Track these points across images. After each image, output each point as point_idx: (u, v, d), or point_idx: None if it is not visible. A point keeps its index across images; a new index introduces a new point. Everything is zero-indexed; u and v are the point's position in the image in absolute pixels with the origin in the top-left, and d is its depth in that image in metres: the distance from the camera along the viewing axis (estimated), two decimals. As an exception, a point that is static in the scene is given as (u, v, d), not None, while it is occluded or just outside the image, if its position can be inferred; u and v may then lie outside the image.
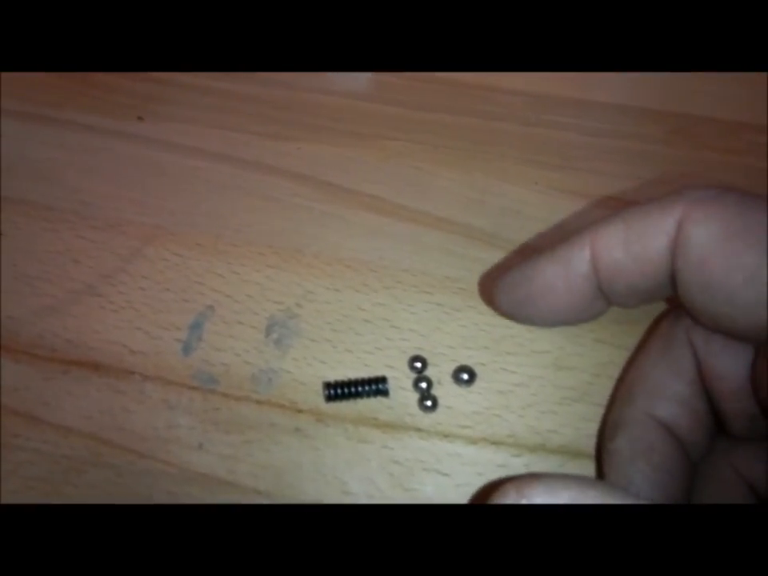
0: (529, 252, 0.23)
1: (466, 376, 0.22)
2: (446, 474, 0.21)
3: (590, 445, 0.22)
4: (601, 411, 0.22)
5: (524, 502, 0.13)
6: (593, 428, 0.22)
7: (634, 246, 0.16)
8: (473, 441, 0.22)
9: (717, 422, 0.19)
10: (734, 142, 0.27)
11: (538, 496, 0.14)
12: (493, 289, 0.21)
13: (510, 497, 0.14)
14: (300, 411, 0.22)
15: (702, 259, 0.15)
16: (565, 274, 0.18)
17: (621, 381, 0.21)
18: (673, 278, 0.16)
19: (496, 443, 0.22)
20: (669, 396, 0.19)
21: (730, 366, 0.18)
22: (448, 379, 0.23)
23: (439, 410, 0.22)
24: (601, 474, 0.20)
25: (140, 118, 0.28)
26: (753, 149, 0.27)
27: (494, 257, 0.25)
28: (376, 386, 0.22)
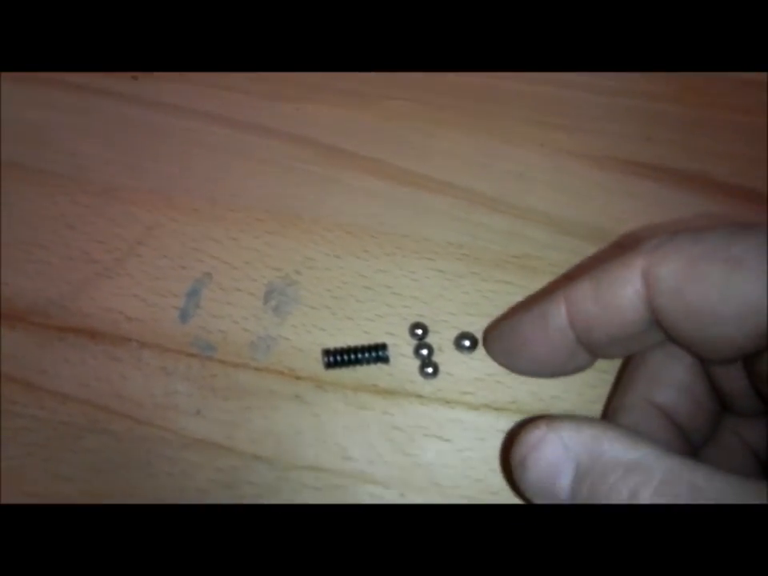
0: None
1: (467, 343, 0.22)
2: (447, 440, 0.21)
3: (593, 410, 0.21)
4: (604, 377, 0.21)
5: (552, 434, 0.16)
6: (596, 394, 0.21)
7: (604, 297, 0.17)
8: (474, 407, 0.22)
9: (720, 401, 0.19)
10: (745, 100, 0.26)
11: (566, 430, 0.15)
12: (484, 339, 0.22)
13: (541, 428, 0.16)
14: (299, 378, 0.22)
15: (677, 289, 0.16)
16: (542, 327, 0.19)
17: (622, 367, 0.21)
18: (656, 324, 0.17)
19: (498, 409, 0.21)
20: (668, 382, 0.19)
21: None
22: (449, 346, 0.22)
23: (440, 376, 0.22)
24: None
25: (134, 77, 0.27)
26: (763, 108, 0.26)
27: (497, 222, 0.24)
28: (376, 353, 0.22)
